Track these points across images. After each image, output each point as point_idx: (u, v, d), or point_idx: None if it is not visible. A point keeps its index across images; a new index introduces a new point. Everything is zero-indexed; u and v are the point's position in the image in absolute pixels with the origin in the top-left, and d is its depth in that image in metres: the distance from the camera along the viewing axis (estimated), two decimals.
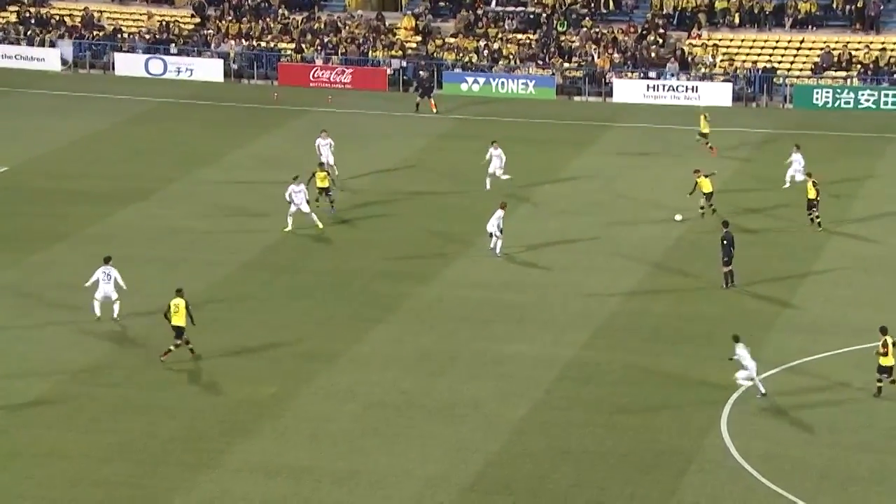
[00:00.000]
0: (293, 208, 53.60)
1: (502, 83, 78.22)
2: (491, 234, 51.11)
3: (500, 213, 51.10)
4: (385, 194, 59.19)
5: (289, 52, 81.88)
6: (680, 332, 44.64)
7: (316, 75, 79.87)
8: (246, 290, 49.00)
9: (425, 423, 39.10)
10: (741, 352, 39.78)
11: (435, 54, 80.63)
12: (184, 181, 61.01)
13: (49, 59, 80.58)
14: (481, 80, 78.49)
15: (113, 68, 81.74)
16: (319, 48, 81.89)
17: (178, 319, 42.17)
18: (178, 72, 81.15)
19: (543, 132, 70.53)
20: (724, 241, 48.41)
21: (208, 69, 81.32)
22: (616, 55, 79.16)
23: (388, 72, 79.43)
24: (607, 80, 77.60)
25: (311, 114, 73.45)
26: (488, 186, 58.53)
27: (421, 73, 76.99)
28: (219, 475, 36.48)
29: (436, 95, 75.35)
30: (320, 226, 53.93)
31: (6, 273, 49.81)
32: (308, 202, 53.85)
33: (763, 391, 39.87)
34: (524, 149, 65.77)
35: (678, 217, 54.08)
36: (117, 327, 45.33)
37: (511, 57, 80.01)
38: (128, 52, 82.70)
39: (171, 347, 42.32)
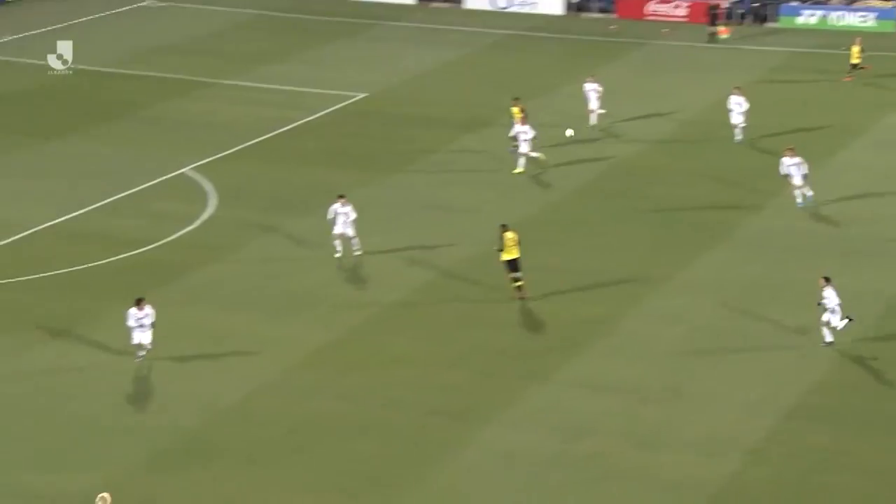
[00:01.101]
0: (522, 147, 52.77)
1: (840, 15, 75.64)
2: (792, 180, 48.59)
3: (784, 160, 48.40)
4: (715, 125, 58.12)
5: None
6: None
7: (652, 9, 78.87)
8: (578, 214, 49.08)
9: (749, 350, 38.58)
10: (828, 294, 37.61)
11: None
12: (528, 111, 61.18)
13: None
14: (818, 12, 76.08)
15: (461, 1, 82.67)
16: None
17: (510, 253, 41.64)
18: (522, 5, 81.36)
19: (882, 66, 67.78)
20: None
21: (549, 3, 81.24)
22: None
23: (724, 6, 77.72)
24: None
25: (648, 46, 72.69)
26: (739, 137, 55.65)
27: (716, 4, 75.53)
28: (549, 388, 36.91)
29: (730, 23, 73.61)
30: (543, 157, 53.10)
31: (365, 190, 51.14)
32: (531, 143, 52.66)
33: (830, 340, 37.84)
34: (859, 82, 63.57)
35: (569, 132, 51.17)
36: (456, 247, 46.02)
37: None
38: None
39: (516, 284, 42.00)
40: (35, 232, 47.42)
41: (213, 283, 43.57)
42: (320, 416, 35.62)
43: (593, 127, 57.50)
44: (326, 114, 61.09)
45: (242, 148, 56.39)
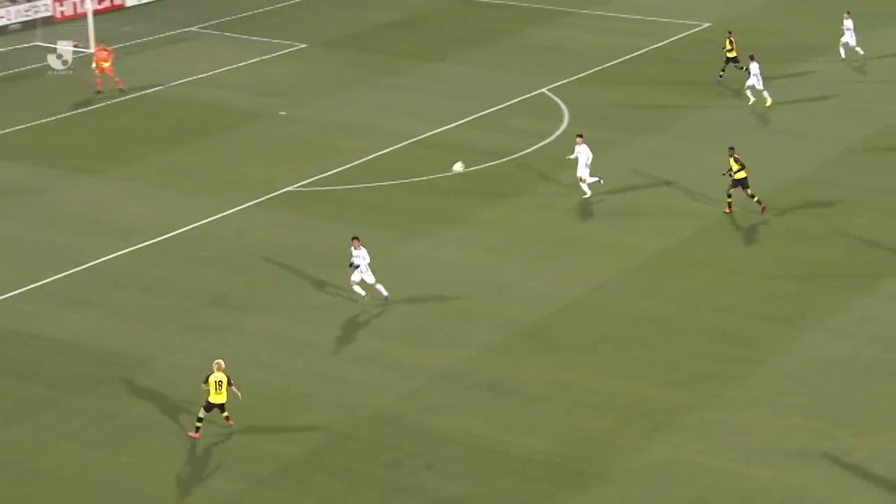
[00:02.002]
0: (751, 81, 50.22)
1: None
2: None
3: None
4: None
5: None
6: None
7: None
8: None
9: None
10: None
11: None
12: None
13: None
14: None
15: None
16: None
17: (740, 174, 40.47)
18: None
19: None
20: None
21: None
22: None
23: None
24: None
25: None
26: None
27: None
28: (871, 301, 35.90)
29: None
30: (768, 102, 50.48)
31: (704, 113, 50.39)
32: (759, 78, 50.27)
33: None
34: None
35: (456, 166, 42.01)
36: (786, 167, 44.75)
37: None
38: None
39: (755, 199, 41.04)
40: (411, 142, 48.57)
41: (564, 192, 43.68)
42: (654, 315, 35.46)
43: (842, 61, 54.93)
44: (672, 41, 60.12)
45: (595, 71, 56.16)
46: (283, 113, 51.71)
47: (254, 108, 52.27)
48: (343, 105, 52.77)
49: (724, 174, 41.14)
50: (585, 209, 42.28)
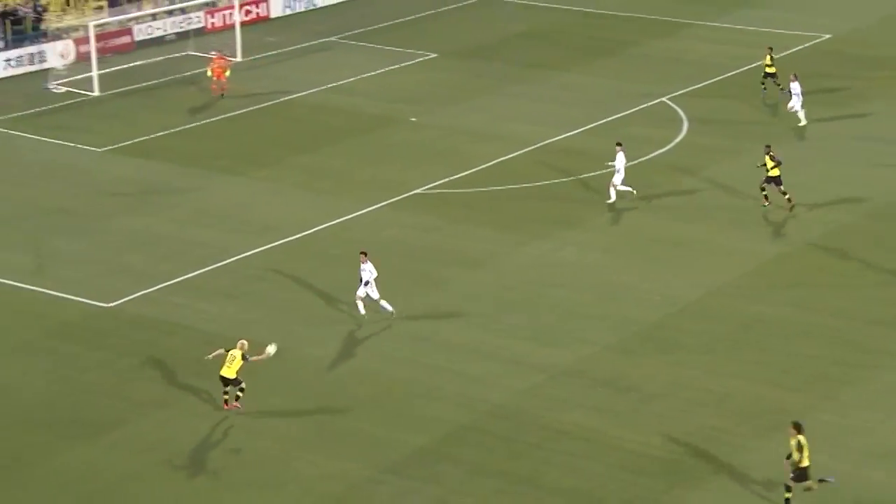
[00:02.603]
0: (793, 102, 48.51)
1: None
2: None
3: None
4: None
5: None
6: None
7: None
8: None
9: None
10: None
11: None
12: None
13: None
14: None
15: None
16: None
17: (774, 172, 40.48)
18: None
19: None
20: None
21: None
22: None
23: None
24: None
25: None
26: None
27: None
28: None
29: None
30: (803, 122, 48.80)
31: (827, 124, 49.13)
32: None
33: None
34: None
35: (269, 349, 31.29)
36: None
37: None
38: None
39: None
40: (533, 148, 48.15)
41: (680, 197, 42.98)
42: (769, 318, 34.69)
43: None
44: (791, 53, 58.81)
45: (715, 81, 55.21)
46: (413, 119, 51.73)
47: (386, 114, 52.36)
48: (470, 112, 52.60)
49: (758, 166, 41.13)
50: (702, 214, 41.52)
